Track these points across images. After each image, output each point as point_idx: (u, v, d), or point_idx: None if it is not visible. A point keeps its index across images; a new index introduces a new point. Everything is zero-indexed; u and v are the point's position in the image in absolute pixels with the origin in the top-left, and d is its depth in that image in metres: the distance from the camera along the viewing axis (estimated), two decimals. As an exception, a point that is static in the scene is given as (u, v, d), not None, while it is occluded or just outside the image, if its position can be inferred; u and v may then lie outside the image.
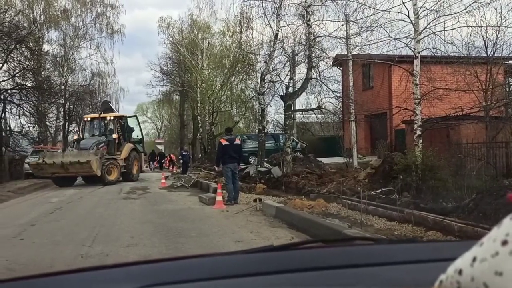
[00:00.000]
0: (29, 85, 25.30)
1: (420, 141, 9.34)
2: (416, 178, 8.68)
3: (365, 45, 10.24)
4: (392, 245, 1.49)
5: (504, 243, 0.53)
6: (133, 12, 74.90)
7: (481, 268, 0.54)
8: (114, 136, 18.64)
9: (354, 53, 15.38)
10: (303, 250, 1.24)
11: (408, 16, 9.12)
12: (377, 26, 9.43)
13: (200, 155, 32.18)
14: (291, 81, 15.46)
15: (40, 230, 7.00)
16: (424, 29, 9.09)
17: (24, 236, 6.44)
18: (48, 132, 31.67)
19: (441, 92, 10.39)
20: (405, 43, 9.30)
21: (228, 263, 1.09)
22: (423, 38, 9.19)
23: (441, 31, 8.97)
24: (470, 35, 9.55)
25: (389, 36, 9.27)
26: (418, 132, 9.35)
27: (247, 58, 23.22)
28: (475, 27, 9.35)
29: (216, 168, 10.62)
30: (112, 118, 19.33)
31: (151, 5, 77.19)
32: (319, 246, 1.35)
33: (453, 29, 8.90)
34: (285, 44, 15.70)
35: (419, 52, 9.23)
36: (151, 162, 33.82)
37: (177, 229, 6.77)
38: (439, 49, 9.25)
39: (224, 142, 10.05)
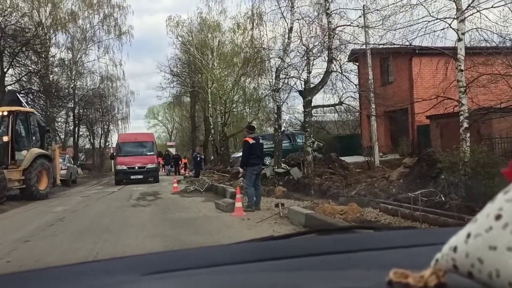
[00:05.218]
0: (36, 89, 24.65)
1: (468, 134, 8.17)
2: (465, 177, 7.51)
3: (398, 28, 9.05)
4: (390, 232, 1.53)
5: (498, 217, 0.53)
6: (143, 18, 74.51)
7: (475, 243, 0.54)
8: (6, 139, 13.21)
9: (374, 44, 14.21)
10: (303, 239, 1.26)
11: (449, -8, 7.98)
12: (416, 4, 8.28)
13: (212, 157, 31.23)
14: (310, 74, 14.36)
15: (33, 249, 6.02)
16: (468, 6, 7.93)
17: (12, 256, 5.45)
18: (57, 137, 30.98)
19: (486, 80, 9.15)
20: (448, 24, 8.14)
21: (229, 251, 1.08)
22: (468, 16, 8.02)
23: (489, 8, 7.79)
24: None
25: (430, 15, 8.09)
26: (465, 125, 8.18)
27: (260, 54, 22.25)
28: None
29: (241, 170, 9.62)
30: (5, 113, 13.54)
31: (161, 10, 76.72)
32: (319, 235, 1.35)
33: (505, 4, 7.72)
34: (302, 35, 14.64)
35: (463, 34, 8.07)
36: (165, 166, 32.82)
37: (192, 244, 5.74)
38: (487, 29, 8.02)
39: (251, 141, 9.17)
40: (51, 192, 14.91)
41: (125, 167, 21.01)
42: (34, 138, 14.56)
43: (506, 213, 0.52)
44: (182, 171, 30.56)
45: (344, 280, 0.76)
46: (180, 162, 32.51)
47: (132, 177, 20.70)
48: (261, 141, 9.85)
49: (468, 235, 0.56)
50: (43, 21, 29.22)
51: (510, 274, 0.50)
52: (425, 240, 0.98)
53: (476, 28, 8.20)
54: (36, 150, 14.05)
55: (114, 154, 22.97)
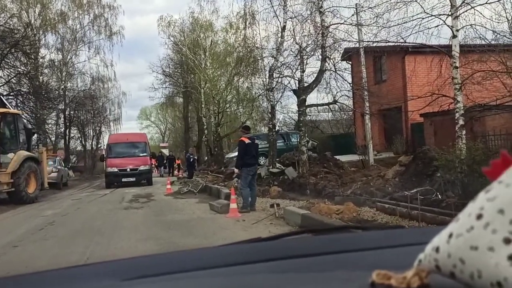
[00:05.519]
0: (25, 90, 24.31)
1: (464, 132, 8.10)
2: (461, 175, 7.44)
3: (392, 26, 8.95)
4: (379, 231, 1.50)
5: (479, 217, 0.52)
6: (134, 19, 73.95)
7: (457, 243, 0.54)
8: None
9: (368, 41, 14.14)
10: (291, 240, 1.23)
11: (444, -11, 7.90)
12: (410, 1, 8.19)
13: (206, 158, 31.03)
14: (304, 73, 14.26)
15: (21, 254, 5.83)
16: (462, 3, 7.85)
17: (0, 262, 5.27)
18: (48, 139, 30.61)
19: (481, 77, 9.08)
20: (443, 20, 8.07)
21: (216, 254, 1.06)
22: (462, 13, 7.96)
23: (483, 4, 7.72)
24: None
25: (425, 12, 8.00)
26: (461, 122, 8.10)
27: (253, 54, 22.12)
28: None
29: (237, 170, 9.46)
30: None
31: (152, 11, 76.25)
32: (308, 236, 1.33)
33: (499, 0, 7.66)
34: (296, 34, 14.54)
35: (457, 30, 8.00)
36: (158, 167, 32.54)
37: (186, 247, 5.58)
38: (481, 25, 7.96)
39: (247, 141, 9.07)
40: (40, 195, 14.65)
41: (116, 169, 19.64)
42: (21, 140, 14.25)
43: (487, 212, 0.52)
44: (176, 172, 30.33)
45: (329, 281, 0.75)
46: (174, 162, 32.29)
47: (123, 179, 19.36)
48: (256, 141, 9.72)
49: (450, 235, 0.55)
50: (32, 22, 28.86)
51: (492, 274, 0.50)
52: (413, 239, 0.95)
53: (470, 25, 8.14)
54: (24, 153, 13.75)
55: (104, 155, 21.58)
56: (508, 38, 9.09)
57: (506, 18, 10.71)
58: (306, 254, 0.95)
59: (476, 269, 0.52)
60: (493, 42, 10.28)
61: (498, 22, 8.44)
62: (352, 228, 1.73)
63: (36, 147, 17.43)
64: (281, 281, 0.78)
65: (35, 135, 20.62)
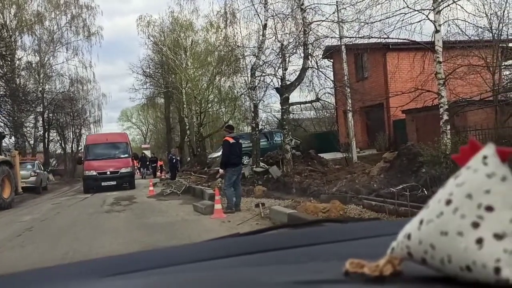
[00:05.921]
0: (1, 93, 23.67)
1: (448, 127, 8.11)
2: (447, 170, 7.43)
3: (375, 21, 8.91)
4: (355, 223, 1.58)
5: (448, 202, 0.53)
6: (114, 20, 72.82)
7: (427, 229, 0.55)
8: None
9: (350, 37, 14.11)
10: (269, 235, 1.24)
11: (426, -17, 7.89)
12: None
13: (189, 158, 30.73)
14: (286, 71, 14.17)
15: (-3, 262, 5.58)
16: (444, -3, 7.86)
17: (-26, 272, 5.01)
18: (26, 143, 29.87)
19: (463, 72, 9.12)
20: (425, 15, 8.06)
21: (194, 250, 1.08)
22: (444, 7, 7.95)
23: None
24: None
25: (407, 6, 7.97)
26: (445, 117, 8.10)
27: (234, 53, 21.96)
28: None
29: (221, 170, 9.30)
30: None
31: (131, 11, 75.31)
32: (285, 230, 1.37)
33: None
34: (277, 32, 14.43)
35: (440, 25, 7.99)
36: (141, 168, 32.08)
37: (171, 250, 5.41)
38: (463, 19, 7.98)
39: (231, 141, 8.92)
40: (18, 200, 14.21)
41: (94, 173, 18.07)
42: None
43: (456, 198, 0.53)
44: (158, 173, 29.97)
45: (303, 273, 0.75)
46: (156, 164, 31.90)
47: (103, 183, 17.85)
48: (240, 141, 9.60)
49: (421, 222, 0.56)
50: (8, 23, 28.15)
51: (461, 258, 0.51)
52: (388, 230, 0.95)
53: (452, 19, 8.16)
54: None
55: (82, 158, 19.90)
56: (489, 31, 9.16)
57: (485, 13, 10.83)
58: (281, 247, 0.95)
59: (446, 254, 0.52)
60: (474, 38, 10.36)
61: (480, 17, 8.53)
62: (329, 221, 1.74)
63: (9, 150, 16.89)
64: (255, 274, 0.77)
65: (12, 138, 20.01)
